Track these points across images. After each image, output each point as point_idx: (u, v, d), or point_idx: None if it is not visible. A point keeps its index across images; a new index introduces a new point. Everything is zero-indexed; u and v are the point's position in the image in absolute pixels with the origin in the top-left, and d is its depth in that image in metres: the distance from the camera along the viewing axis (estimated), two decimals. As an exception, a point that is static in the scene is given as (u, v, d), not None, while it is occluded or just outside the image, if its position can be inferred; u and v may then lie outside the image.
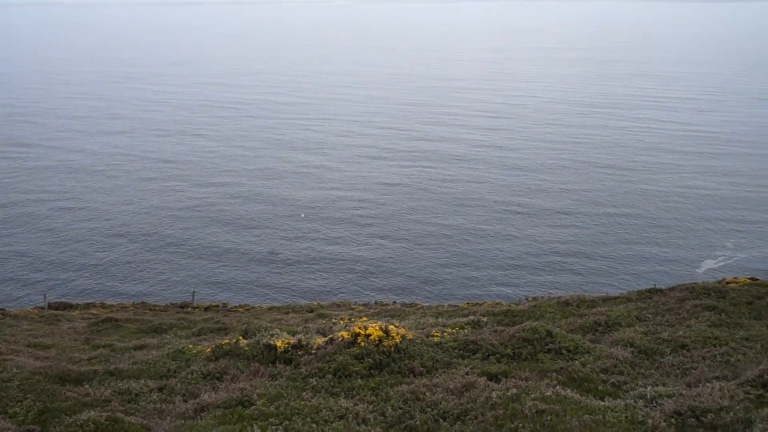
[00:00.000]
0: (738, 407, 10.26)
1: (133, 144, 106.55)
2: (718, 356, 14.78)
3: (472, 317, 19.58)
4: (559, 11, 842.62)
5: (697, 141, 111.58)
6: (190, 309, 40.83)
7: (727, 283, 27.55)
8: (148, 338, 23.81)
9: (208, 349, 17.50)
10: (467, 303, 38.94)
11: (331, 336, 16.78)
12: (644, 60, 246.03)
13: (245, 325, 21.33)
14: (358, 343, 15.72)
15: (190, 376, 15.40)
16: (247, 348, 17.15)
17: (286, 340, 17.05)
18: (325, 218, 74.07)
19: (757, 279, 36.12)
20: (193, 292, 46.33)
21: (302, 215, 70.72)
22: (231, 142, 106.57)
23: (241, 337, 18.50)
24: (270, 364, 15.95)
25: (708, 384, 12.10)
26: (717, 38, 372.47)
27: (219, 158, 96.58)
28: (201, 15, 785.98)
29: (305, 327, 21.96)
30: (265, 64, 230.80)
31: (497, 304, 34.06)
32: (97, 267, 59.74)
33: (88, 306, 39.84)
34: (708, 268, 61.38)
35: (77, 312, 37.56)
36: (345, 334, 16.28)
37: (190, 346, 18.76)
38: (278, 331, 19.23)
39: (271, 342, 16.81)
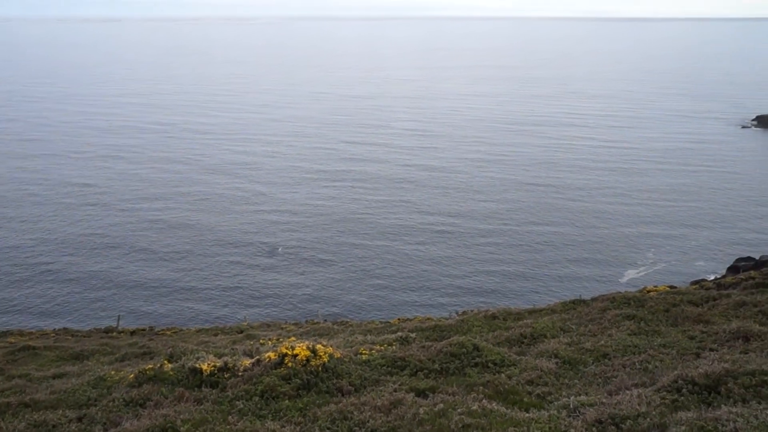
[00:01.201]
0: (654, 413, 10.57)
1: (48, 168, 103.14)
2: (637, 364, 15.21)
3: (400, 333, 19.63)
4: (480, 29, 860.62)
5: (618, 157, 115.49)
6: (115, 334, 39.63)
7: (648, 291, 28.45)
8: (68, 366, 22.97)
9: (132, 375, 16.99)
10: (398, 319, 39.01)
11: (258, 357, 16.54)
12: (565, 78, 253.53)
13: (171, 349, 20.82)
14: (286, 364, 15.55)
15: (111, 404, 14.91)
16: (172, 372, 16.72)
17: (213, 363, 16.71)
18: (254, 242, 73.32)
19: (675, 287, 37.50)
20: (119, 316, 45.06)
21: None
22: (153, 165, 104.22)
23: (166, 362, 18.04)
24: (195, 388, 15.59)
25: (627, 391, 12.42)
26: (635, 56, 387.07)
27: (139, 182, 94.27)
28: (122, 32, 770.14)
29: (233, 349, 21.57)
30: (187, 83, 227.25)
31: (427, 319, 34.27)
32: (17, 295, 57.60)
33: (4, 334, 38.19)
34: (630, 278, 63.38)
35: (-7, 341, 35.96)
36: (272, 354, 16.08)
37: (113, 372, 18.18)
38: (204, 353, 18.82)
39: (197, 365, 16.44)
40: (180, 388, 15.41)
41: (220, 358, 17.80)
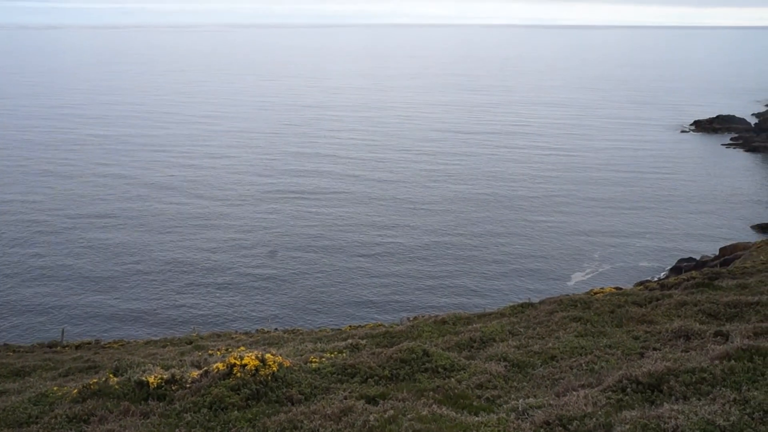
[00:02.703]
0: (600, 413, 10.75)
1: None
2: (583, 365, 15.46)
3: (350, 341, 19.60)
4: (424, 37, 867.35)
5: (563, 164, 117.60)
6: (59, 348, 38.57)
7: (595, 293, 29.01)
8: (8, 383, 22.24)
9: (75, 391, 16.56)
10: (349, 326, 38.93)
11: (206, 368, 16.30)
12: (510, 85, 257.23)
13: (117, 362, 20.38)
14: (234, 374, 15.35)
15: (53, 420, 14.51)
16: (117, 386, 16.35)
17: (160, 376, 16.40)
18: (198, 257, 72.43)
19: (621, 288, 38.36)
20: (62, 329, 43.92)
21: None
22: (90, 181, 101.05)
23: (111, 375, 17.63)
24: (142, 402, 15.28)
25: (574, 392, 12.61)
26: (576, 63, 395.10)
27: (76, 200, 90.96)
28: (61, 39, 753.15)
29: (181, 360, 21.22)
30: (128, 93, 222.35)
31: (378, 325, 34.29)
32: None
33: (-59, 352, 36.82)
34: (578, 281, 64.53)
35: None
36: (220, 365, 15.86)
37: (55, 388, 17.69)
38: (151, 366, 18.47)
39: (143, 378, 16.11)
40: (125, 402, 15.08)
41: (167, 370, 17.47)
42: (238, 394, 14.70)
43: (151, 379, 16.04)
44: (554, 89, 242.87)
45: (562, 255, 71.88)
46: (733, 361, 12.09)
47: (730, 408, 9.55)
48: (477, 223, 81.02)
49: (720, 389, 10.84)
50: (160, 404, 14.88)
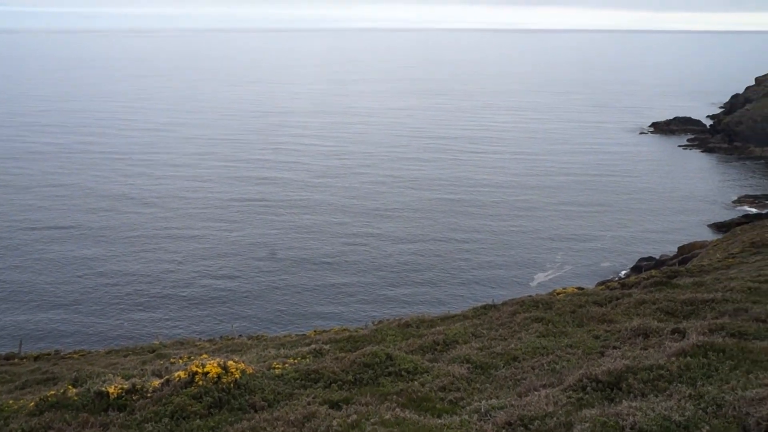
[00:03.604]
0: (561, 412, 10.87)
1: None
2: (545, 365, 15.61)
3: (314, 346, 19.54)
4: (387, 41, 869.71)
5: (525, 166, 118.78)
6: (16, 360, 37.76)
7: (557, 294, 29.34)
8: (-38, 397, 21.71)
9: (32, 403, 16.22)
10: (313, 331, 38.78)
11: (167, 377, 16.10)
12: (474, 90, 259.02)
13: (76, 373, 20.05)
14: (196, 382, 15.20)
15: (10, 434, 14.20)
16: (76, 398, 16.06)
17: (120, 386, 16.15)
18: (173, 261, 71.61)
19: (583, 288, 38.82)
20: (20, 340, 43.00)
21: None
22: (47, 192, 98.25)
23: (70, 387, 17.31)
24: (102, 413, 15.04)
25: (536, 392, 12.73)
26: (538, 67, 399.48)
27: (33, 211, 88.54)
28: (19, 44, 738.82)
29: (142, 369, 20.94)
30: (87, 99, 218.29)
31: (343, 330, 34.21)
32: None
33: None
34: (540, 282, 65.20)
35: None
36: (182, 373, 15.68)
37: (11, 402, 17.31)
38: (111, 376, 18.18)
39: (103, 389, 15.85)
40: (84, 414, 14.83)
41: (128, 379, 17.22)
42: (200, 403, 14.55)
43: (111, 390, 15.79)
44: (517, 93, 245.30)
45: (525, 257, 72.57)
46: (688, 357, 12.33)
47: (685, 403, 9.74)
48: (440, 227, 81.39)
49: (676, 385, 11.05)
50: (121, 415, 14.67)
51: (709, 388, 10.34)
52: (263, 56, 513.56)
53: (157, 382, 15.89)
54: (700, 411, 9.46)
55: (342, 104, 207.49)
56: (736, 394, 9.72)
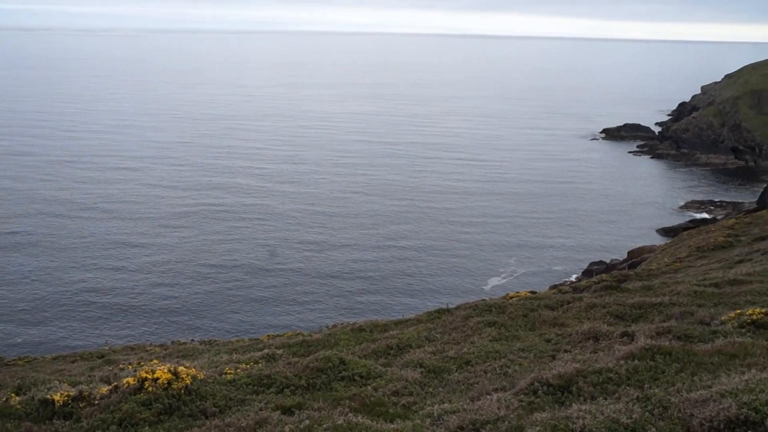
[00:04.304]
0: (512, 415, 10.95)
1: None
2: (497, 369, 15.73)
3: (266, 351, 19.37)
4: (339, 45, 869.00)
5: (479, 173, 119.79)
6: (-43, 367, 36.58)
7: (511, 297, 29.62)
8: None
9: (-27, 412, 15.71)
10: (267, 336, 38.49)
11: (116, 383, 15.76)
12: (429, 96, 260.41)
13: (20, 380, 19.47)
14: (146, 389, 14.91)
15: (-52, 445, 13.72)
16: (19, 406, 15.60)
17: (66, 393, 15.74)
18: (119, 266, 70.30)
19: (536, 292, 39.30)
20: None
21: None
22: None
23: (13, 395, 16.81)
24: (46, 421, 14.64)
25: (488, 396, 12.80)
26: (490, 74, 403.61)
27: None
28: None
29: (90, 376, 20.50)
30: (31, 101, 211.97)
31: (297, 334, 34.01)
32: None
33: None
34: (494, 286, 65.79)
35: None
36: (131, 380, 15.36)
37: (-49, 410, 16.72)
38: (57, 383, 17.73)
39: (48, 396, 15.43)
40: (28, 423, 14.42)
41: (74, 386, 16.81)
42: (150, 409, 14.28)
43: (56, 397, 15.39)
44: (471, 99, 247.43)
45: (479, 262, 73.16)
46: (636, 360, 12.55)
47: (633, 406, 9.90)
48: (395, 233, 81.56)
49: (624, 388, 11.23)
50: (66, 423, 14.30)
51: (656, 390, 10.55)
52: (217, 58, 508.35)
53: (105, 389, 15.54)
54: (647, 413, 9.63)
55: (296, 108, 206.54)
56: (681, 396, 9.93)
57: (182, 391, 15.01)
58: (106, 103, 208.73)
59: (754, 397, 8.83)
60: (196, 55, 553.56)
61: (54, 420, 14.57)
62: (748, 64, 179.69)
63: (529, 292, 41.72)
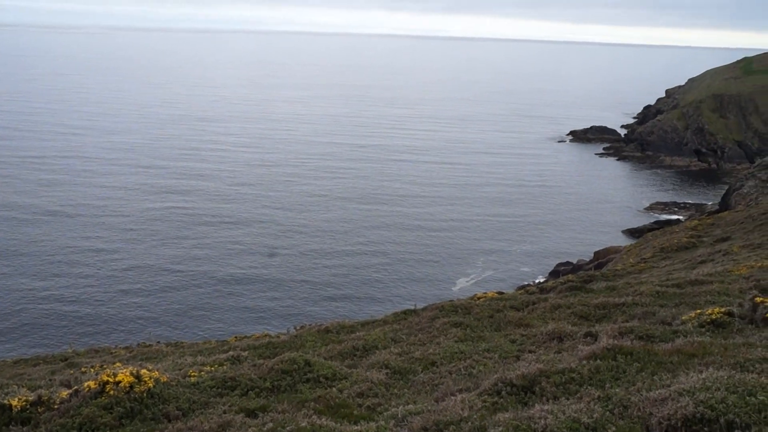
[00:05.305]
0: (476, 416, 10.99)
1: None
2: (462, 369, 15.79)
3: (232, 353, 19.22)
4: (311, 46, 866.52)
5: (447, 175, 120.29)
6: None
7: (478, 298, 29.76)
8: None
9: (-72, 418, 15.35)
10: (234, 337, 38.20)
11: (76, 387, 15.50)
12: (398, 98, 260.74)
13: (-22, 385, 19.07)
14: (107, 392, 14.67)
15: None
16: (-24, 411, 15.27)
17: (24, 398, 15.44)
18: (83, 267, 69.30)
19: (503, 292, 39.55)
20: None
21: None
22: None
23: (-30, 400, 16.46)
24: (4, 427, 14.36)
25: (453, 397, 12.84)
26: (459, 75, 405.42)
27: None
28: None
29: (50, 380, 20.15)
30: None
31: (265, 335, 33.80)
32: None
33: None
34: (461, 287, 66.10)
35: None
36: (92, 383, 15.11)
37: None
38: (16, 387, 17.42)
39: (5, 401, 15.12)
40: (-16, 428, 14.13)
41: (34, 391, 16.50)
42: (111, 413, 14.06)
43: (14, 402, 15.08)
44: (440, 101, 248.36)
45: (448, 263, 73.44)
46: (599, 360, 12.68)
47: (594, 405, 10.00)
48: (364, 236, 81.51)
49: (586, 388, 11.34)
50: (24, 428, 14.04)
51: (617, 390, 10.67)
52: (185, 57, 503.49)
53: (65, 393, 15.27)
54: (608, 413, 9.73)
55: (264, 110, 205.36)
56: (641, 395, 10.05)
57: (144, 394, 14.81)
58: (72, 102, 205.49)
59: (710, 395, 8.96)
60: (164, 53, 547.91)
61: (11, 426, 14.28)
62: (710, 68, 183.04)
63: (497, 292, 41.95)
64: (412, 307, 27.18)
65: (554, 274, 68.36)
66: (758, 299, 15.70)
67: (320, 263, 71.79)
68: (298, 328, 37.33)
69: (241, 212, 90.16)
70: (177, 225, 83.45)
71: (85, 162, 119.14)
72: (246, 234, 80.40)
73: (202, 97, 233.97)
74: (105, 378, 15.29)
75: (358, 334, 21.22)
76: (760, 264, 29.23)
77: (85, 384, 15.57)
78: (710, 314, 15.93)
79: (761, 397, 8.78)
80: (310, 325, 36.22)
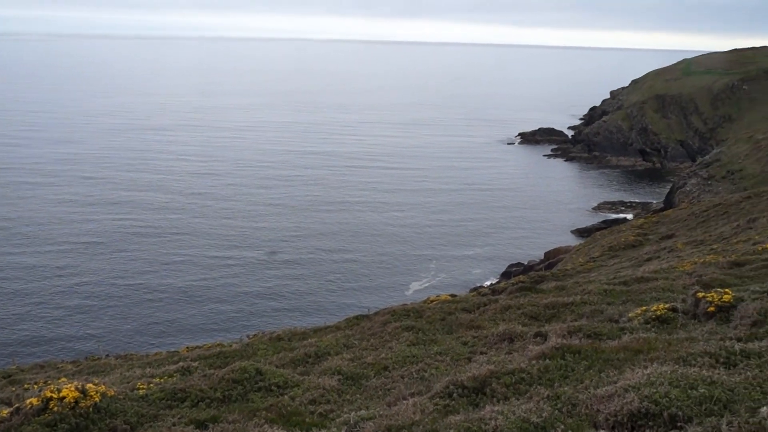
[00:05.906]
0: (427, 419, 11.00)
1: None
2: (414, 373, 15.80)
3: (182, 363, 18.91)
4: (260, 52, 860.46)
5: (399, 181, 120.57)
6: None
7: (431, 301, 29.85)
8: None
9: None
10: (186, 348, 37.61)
11: (18, 405, 15.03)
12: (348, 104, 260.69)
13: None
14: (51, 409, 14.27)
15: None
16: None
17: (-37, 418, 14.92)
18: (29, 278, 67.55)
19: (456, 295, 39.78)
20: None
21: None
22: None
23: None
24: (-59, 450, 13.84)
25: (405, 401, 12.83)
26: (405, 80, 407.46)
27: None
28: None
29: (-8, 398, 19.49)
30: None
31: (217, 345, 33.34)
32: None
33: None
34: (415, 290, 66.34)
35: None
36: (34, 400, 14.68)
37: None
38: (-45, 407, 16.78)
39: (-58, 422, 14.58)
40: None
41: (-27, 410, 15.95)
42: (55, 431, 13.69)
43: (-48, 423, 14.57)
44: (390, 107, 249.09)
45: (400, 267, 73.62)
46: (548, 360, 12.82)
47: (543, 405, 10.10)
48: (316, 244, 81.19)
49: (536, 387, 11.45)
50: (-38, 450, 13.57)
51: (566, 388, 10.79)
52: (130, 64, 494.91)
53: (5, 412, 14.80)
54: (557, 411, 9.84)
55: (213, 118, 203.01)
56: (589, 392, 10.19)
57: (91, 409, 14.44)
58: (11, 112, 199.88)
59: (654, 390, 9.13)
60: (107, 61, 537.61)
61: (-52, 449, 13.79)
62: (652, 70, 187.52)
63: (449, 295, 42.21)
64: (364, 313, 27.17)
65: (506, 275, 69.06)
66: (700, 294, 16.09)
67: (272, 274, 71.27)
68: (250, 336, 36.97)
69: (190, 223, 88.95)
70: (124, 237, 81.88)
71: (25, 174, 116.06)
72: (196, 245, 79.33)
73: (148, 105, 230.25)
74: (48, 394, 14.87)
75: (310, 340, 21.10)
76: (702, 260, 30.00)
77: (27, 401, 15.12)
78: (655, 310, 16.27)
79: (702, 390, 8.98)
80: (262, 333, 35.90)
